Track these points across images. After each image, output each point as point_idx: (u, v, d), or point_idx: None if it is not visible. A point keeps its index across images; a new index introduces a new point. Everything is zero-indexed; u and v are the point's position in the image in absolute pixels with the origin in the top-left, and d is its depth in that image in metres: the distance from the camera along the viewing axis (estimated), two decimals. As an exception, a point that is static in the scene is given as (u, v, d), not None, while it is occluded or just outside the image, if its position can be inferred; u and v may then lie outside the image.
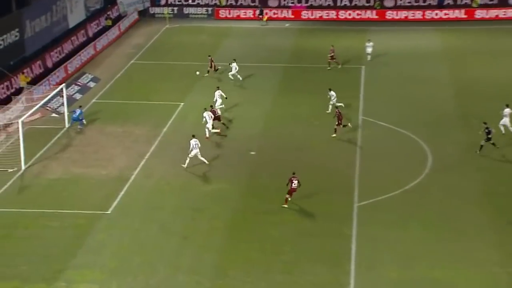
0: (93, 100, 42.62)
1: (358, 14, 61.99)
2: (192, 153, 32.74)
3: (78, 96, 43.29)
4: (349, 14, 62.08)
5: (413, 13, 61.60)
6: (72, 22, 52.84)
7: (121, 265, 25.15)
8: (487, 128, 34.24)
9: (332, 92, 40.14)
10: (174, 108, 41.09)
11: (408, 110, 40.95)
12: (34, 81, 43.22)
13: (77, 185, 31.50)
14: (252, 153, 35.22)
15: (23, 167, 33.15)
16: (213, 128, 36.51)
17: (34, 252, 26.02)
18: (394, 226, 28.16)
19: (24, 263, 25.24)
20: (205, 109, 37.10)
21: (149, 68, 48.97)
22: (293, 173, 29.42)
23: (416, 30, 58.82)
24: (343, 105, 39.76)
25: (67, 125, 38.48)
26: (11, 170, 32.93)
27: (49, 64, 46.91)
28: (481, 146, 34.26)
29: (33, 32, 46.42)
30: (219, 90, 40.25)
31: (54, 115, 40.00)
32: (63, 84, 40.10)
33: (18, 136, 33.91)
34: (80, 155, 34.81)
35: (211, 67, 46.37)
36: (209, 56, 46.99)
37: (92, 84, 45.48)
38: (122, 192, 30.80)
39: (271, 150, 35.48)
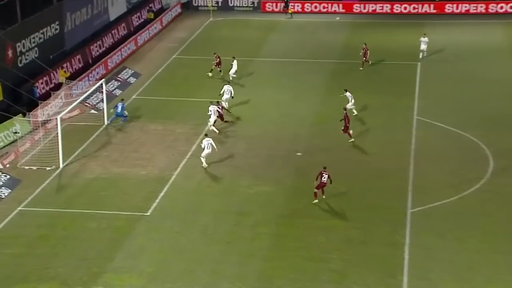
0: (133, 96, 43.14)
1: (414, 8, 61.19)
2: (204, 153, 32.97)
3: (118, 92, 43.89)
4: (405, 8, 61.33)
5: (475, 6, 60.50)
6: (113, 15, 53.60)
7: (160, 271, 25.37)
8: None
9: (348, 93, 39.30)
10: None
11: (467, 110, 40.23)
12: (74, 76, 43.99)
13: (116, 185, 31.92)
14: (299, 154, 35.12)
15: (61, 166, 33.78)
16: (213, 124, 36.89)
17: (72, 254, 26.48)
18: (450, 235, 27.70)
19: (62, 265, 25.71)
20: (211, 103, 37.41)
21: (192, 63, 49.30)
22: (324, 168, 29.73)
23: (477, 25, 57.78)
24: (355, 111, 38.78)
25: (106, 122, 39.05)
26: (49, 168, 33.59)
27: (89, 58, 47.68)
28: None
29: (73, 25, 47.26)
30: (229, 85, 40.34)
31: (93, 111, 40.66)
32: (103, 80, 40.72)
33: (57, 133, 34.59)
34: (119, 154, 35.28)
35: (216, 65, 45.47)
36: (215, 53, 46.15)
37: (132, 80, 46.05)
38: (162, 193, 31.08)
39: (319, 151, 35.31)
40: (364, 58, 47.12)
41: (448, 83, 44.85)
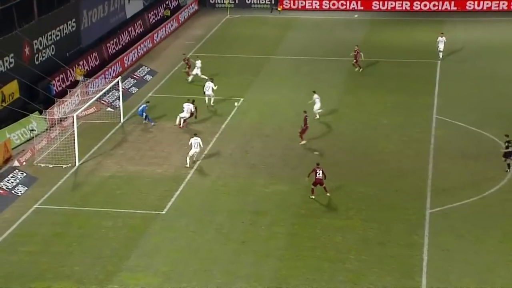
0: (150, 94, 43.19)
1: (434, 5, 60.80)
2: (191, 152, 32.99)
3: (134, 89, 43.98)
4: (425, 5, 60.94)
5: (497, 3, 59.89)
6: (130, 12, 53.74)
7: (175, 270, 25.35)
8: (508, 141, 31.56)
9: (316, 96, 38.56)
10: (233, 104, 41.21)
11: (487, 109, 39.84)
12: (90, 74, 44.14)
13: (132, 184, 31.96)
14: (316, 153, 34.95)
15: (77, 163, 33.90)
16: (184, 121, 37.37)
17: (87, 252, 26.54)
18: (470, 236, 27.42)
19: (77, 263, 25.77)
20: (188, 100, 37.91)
21: (208, 61, 49.20)
22: (317, 164, 29.98)
23: (499, 22, 57.25)
24: (317, 115, 38.05)
25: (122, 120, 39.14)
26: (65, 166, 33.72)
27: (105, 56, 47.82)
28: (508, 165, 31.85)
29: (90, 23, 47.42)
30: (211, 82, 40.41)
31: (109, 109, 40.75)
32: (119, 77, 40.81)
33: (73, 131, 34.71)
34: (135, 152, 35.33)
35: (189, 67, 45.01)
36: (184, 54, 45.87)
37: (148, 78, 46.12)
38: (178, 192, 31.06)
39: (336, 151, 35.13)
40: (355, 60, 45.71)
41: (468, 82, 44.46)
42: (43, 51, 41.68)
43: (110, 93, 41.30)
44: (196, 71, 44.24)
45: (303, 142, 35.52)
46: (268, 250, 26.51)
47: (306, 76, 45.41)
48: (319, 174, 29.80)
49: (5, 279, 24.91)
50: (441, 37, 47.78)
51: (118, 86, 40.06)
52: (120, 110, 39.65)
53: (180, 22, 58.42)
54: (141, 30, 53.73)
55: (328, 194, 29.99)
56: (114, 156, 34.97)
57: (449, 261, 25.71)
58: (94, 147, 35.72)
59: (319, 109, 38.19)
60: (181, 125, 37.72)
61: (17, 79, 38.25)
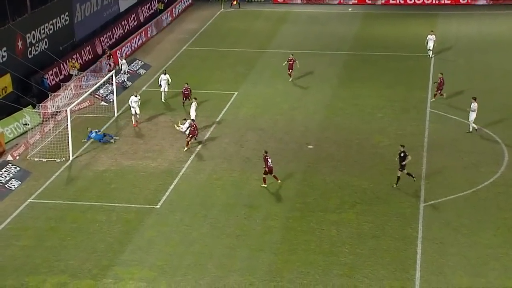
0: (143, 88, 43.15)
1: (428, -1, 60.92)
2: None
3: (128, 83, 43.93)
4: (418, -1, 61.07)
5: (491, -3, 60.06)
6: (123, 6, 53.61)
7: (170, 264, 25.41)
8: (403, 152, 29.88)
9: (165, 76, 38.63)
10: (227, 98, 41.26)
11: (482, 103, 39.67)
12: (83, 68, 44.07)
13: (126, 178, 31.99)
14: (310, 146, 35.04)
15: (71, 158, 33.89)
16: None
17: (81, 246, 26.57)
18: (464, 229, 27.56)
19: (72, 257, 25.81)
20: (135, 93, 37.68)
21: (202, 55, 49.29)
22: (265, 152, 30.52)
23: (494, 15, 57.36)
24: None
25: (116, 114, 39.11)
26: (59, 160, 33.71)
27: (99, 50, 47.74)
28: (398, 178, 30.11)
29: (83, 17, 47.31)
30: (167, 74, 40.29)
31: (103, 103, 40.72)
32: (113, 71, 40.74)
33: (66, 125, 34.68)
34: (129, 146, 35.33)
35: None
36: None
37: (142, 71, 46.09)
38: (172, 186, 31.10)
39: (331, 144, 35.21)
40: (290, 70, 42.29)
41: (462, 75, 44.57)
42: (36, 44, 41.59)
43: (104, 87, 41.26)
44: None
45: (186, 148, 34.17)
46: (262, 244, 26.60)
47: (300, 70, 45.40)
48: (270, 162, 30.09)
49: (-1, 273, 24.98)
50: (431, 35, 46.63)
51: (112, 80, 40.02)
52: (114, 104, 39.62)
53: (174, 15, 58.33)
54: (134, 23, 53.64)
55: (279, 181, 30.62)
56: (108, 150, 34.96)
57: (443, 254, 25.86)
58: (88, 141, 35.69)
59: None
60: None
61: (10, 73, 38.18)
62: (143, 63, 47.01)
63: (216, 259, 25.67)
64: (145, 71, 46.16)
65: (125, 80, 43.17)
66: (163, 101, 40.40)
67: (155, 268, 25.17)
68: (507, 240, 26.77)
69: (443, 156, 33.76)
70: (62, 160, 33.70)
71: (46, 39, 42.49)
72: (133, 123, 37.42)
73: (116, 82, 40.60)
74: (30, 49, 40.91)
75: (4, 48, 38.16)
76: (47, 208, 29.52)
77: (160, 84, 40.50)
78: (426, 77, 44.04)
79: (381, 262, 25.35)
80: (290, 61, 42.61)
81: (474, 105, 35.15)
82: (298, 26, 56.17)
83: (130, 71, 45.34)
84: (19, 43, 39.76)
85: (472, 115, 35.29)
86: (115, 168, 33.03)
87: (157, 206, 29.47)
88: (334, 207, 29.22)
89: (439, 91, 39.85)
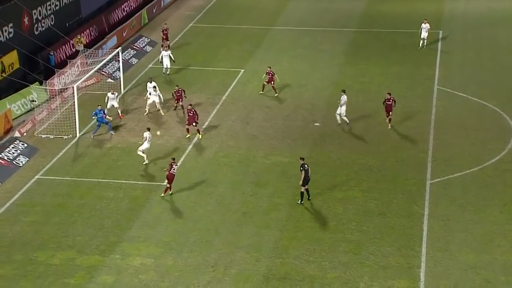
0: (150, 65, 43.07)
1: (436, -26, 59.97)
2: (143, 147, 30.73)
3: (134, 60, 43.84)
4: (427, -26, 60.15)
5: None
6: (129, -18, 53.21)
7: (177, 240, 25.54)
8: (304, 165, 27.31)
9: (344, 97, 33.96)
10: (234, 75, 41.15)
11: (490, 80, 39.79)
12: (89, 45, 43.97)
13: (132, 155, 32.00)
14: (317, 124, 34.98)
15: (77, 135, 33.95)
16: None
17: (89, 222, 26.72)
18: (470, 206, 27.57)
19: (79, 233, 25.96)
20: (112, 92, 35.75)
21: (209, 32, 49.08)
22: (173, 159, 28.65)
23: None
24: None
25: (122, 91, 39.09)
26: (66, 137, 33.78)
27: (105, 26, 47.57)
28: (301, 193, 27.56)
29: (89, -7, 47.11)
30: (153, 82, 36.51)
31: (109, 80, 40.69)
32: (119, 48, 40.65)
33: (73, 102, 34.69)
34: (136, 123, 35.34)
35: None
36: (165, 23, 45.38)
37: (148, 48, 45.96)
38: (178, 163, 31.13)
39: (337, 122, 35.08)
40: (267, 82, 37.62)
41: (470, 52, 44.31)
42: (43, 21, 41.47)
43: (110, 64, 41.19)
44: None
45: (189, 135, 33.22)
46: (268, 221, 26.68)
47: (306, 47, 45.22)
48: (174, 169, 27.98)
49: (8, 248, 25.14)
50: (424, 23, 44.13)
51: (119, 57, 39.93)
52: (120, 81, 39.58)
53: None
54: (141, 0, 53.30)
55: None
56: (115, 127, 34.97)
57: (449, 231, 25.89)
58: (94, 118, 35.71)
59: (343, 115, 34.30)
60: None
61: (17, 49, 38.14)
62: (149, 40, 46.85)
63: (223, 236, 25.78)
64: (151, 48, 46.02)
65: (166, 73, 40.91)
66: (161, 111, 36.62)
67: (161, 244, 25.31)
68: (513, 217, 26.79)
69: (450, 133, 33.67)
70: (69, 137, 33.78)
71: (52, 16, 42.36)
72: (120, 114, 35.85)
73: (123, 59, 40.45)
74: (36, 25, 40.82)
75: (11, 24, 38.09)
76: (55, 185, 29.65)
77: (148, 96, 36.51)
78: (434, 54, 43.76)
79: (387, 239, 25.41)
80: (269, 74, 37.61)
81: (344, 97, 33.69)
82: (305, 2, 55.76)
83: (137, 47, 45.21)
84: (25, 19, 39.67)
85: (342, 108, 33.73)
86: (122, 145, 33.09)
87: (163, 183, 29.54)
88: (340, 185, 29.24)
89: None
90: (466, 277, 23.33)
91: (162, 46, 42.74)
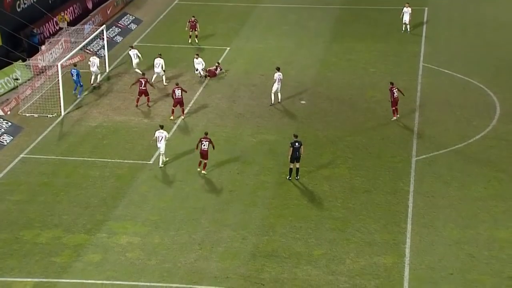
0: (135, 43, 42.75)
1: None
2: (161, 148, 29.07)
3: (119, 38, 43.54)
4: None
5: None
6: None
7: (163, 219, 25.59)
8: (295, 142, 27.37)
9: (278, 74, 33.59)
10: (219, 53, 41.00)
11: (476, 56, 39.91)
12: (73, 22, 43.55)
13: (118, 134, 31.95)
14: (303, 102, 35.01)
15: (62, 113, 33.77)
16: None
17: (75, 201, 26.68)
18: (455, 182, 27.80)
19: (65, 212, 25.94)
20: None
21: (194, 9, 48.67)
22: (205, 133, 28.60)
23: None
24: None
25: (107, 69, 38.85)
26: (51, 115, 33.59)
27: (89, 4, 47.11)
28: (290, 170, 27.66)
29: (72, -30, 46.49)
30: (135, 50, 37.51)
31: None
32: (104, 26, 40.32)
33: (57, 80, 34.45)
34: (121, 102, 35.19)
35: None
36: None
37: (133, 26, 45.64)
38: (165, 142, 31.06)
39: (323, 100, 35.17)
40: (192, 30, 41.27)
41: (456, 28, 44.39)
42: (25, -2, 41.00)
43: (95, 41, 40.85)
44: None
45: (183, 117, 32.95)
46: (255, 199, 26.77)
47: (292, 25, 45.06)
48: (204, 145, 27.94)
49: (-7, 228, 25.11)
50: (406, 7, 42.86)
51: (103, 35, 39.62)
52: (105, 59, 39.32)
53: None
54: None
55: (203, 172, 28.29)
56: (100, 105, 34.82)
57: (434, 208, 26.13)
58: (79, 97, 35.54)
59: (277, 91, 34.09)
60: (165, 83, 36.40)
61: (-1, 27, 37.75)
62: (134, 17, 46.51)
63: (209, 214, 25.85)
64: (136, 26, 45.69)
65: (201, 74, 38.69)
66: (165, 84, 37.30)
67: (148, 222, 25.34)
68: (497, 193, 27.05)
69: (435, 110, 33.83)
70: (54, 115, 33.59)
71: (35, -7, 41.87)
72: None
73: (107, 37, 40.14)
74: (18, 2, 40.29)
75: (-8, 2, 37.63)
76: (40, 163, 29.54)
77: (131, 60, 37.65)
78: (419, 31, 43.79)
79: (373, 216, 25.60)
80: (192, 22, 41.19)
81: (277, 75, 33.41)
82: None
83: (121, 25, 44.85)
84: (8, -3, 39.18)
85: (276, 86, 33.50)
86: (107, 124, 32.96)
87: (150, 162, 29.53)
88: (327, 162, 29.35)
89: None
90: (451, 252, 23.60)
91: (189, 37, 41.84)
